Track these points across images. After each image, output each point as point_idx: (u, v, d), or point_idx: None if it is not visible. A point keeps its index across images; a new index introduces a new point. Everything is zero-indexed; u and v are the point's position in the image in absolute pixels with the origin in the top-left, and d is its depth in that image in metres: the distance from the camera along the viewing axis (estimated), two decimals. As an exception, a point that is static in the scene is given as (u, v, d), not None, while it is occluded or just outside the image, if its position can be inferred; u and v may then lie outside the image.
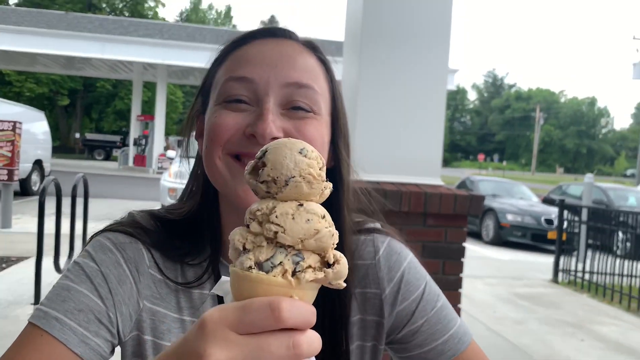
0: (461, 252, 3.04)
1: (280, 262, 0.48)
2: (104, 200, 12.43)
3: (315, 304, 0.85)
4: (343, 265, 0.50)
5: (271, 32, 0.85)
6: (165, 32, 21.21)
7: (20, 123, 8.52)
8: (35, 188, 12.97)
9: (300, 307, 0.46)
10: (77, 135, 40.08)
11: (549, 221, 11.61)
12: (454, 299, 3.03)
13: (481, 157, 70.30)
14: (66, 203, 5.38)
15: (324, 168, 0.52)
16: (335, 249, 0.86)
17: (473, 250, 10.36)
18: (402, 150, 3.16)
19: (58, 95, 38.24)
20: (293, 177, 0.49)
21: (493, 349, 4.70)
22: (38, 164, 13.15)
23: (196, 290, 0.85)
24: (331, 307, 0.85)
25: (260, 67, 0.79)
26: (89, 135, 38.08)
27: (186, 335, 0.48)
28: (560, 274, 7.93)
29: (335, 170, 0.86)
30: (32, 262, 5.58)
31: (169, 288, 0.84)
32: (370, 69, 3.13)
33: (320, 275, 0.49)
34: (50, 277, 4.95)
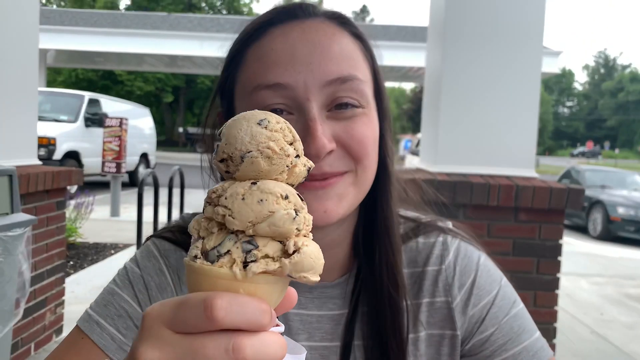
0: (557, 250, 2.78)
1: (228, 251, 0.40)
2: (202, 190, 13.12)
3: (366, 317, 0.79)
4: (305, 254, 0.41)
5: (291, 13, 0.74)
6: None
7: (126, 119, 9.20)
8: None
9: (243, 305, 0.38)
10: (180, 129, 42.78)
11: (669, 215, 10.43)
12: (550, 300, 2.79)
13: (590, 144, 65.07)
14: (165, 193, 5.72)
15: (298, 143, 0.44)
16: (383, 248, 0.79)
17: (578, 245, 9.59)
18: (491, 140, 2.95)
19: (163, 92, 40.99)
20: (249, 152, 0.41)
21: (598, 355, 4.29)
22: (144, 157, 14.19)
23: None
24: (381, 321, 0.77)
25: (292, 67, 0.68)
26: (191, 129, 40.49)
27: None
28: (681, 275, 7.09)
29: (379, 160, 0.76)
30: (135, 249, 6.00)
31: None
32: (455, 51, 2.93)
33: (274, 266, 0.40)
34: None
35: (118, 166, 8.82)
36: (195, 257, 0.41)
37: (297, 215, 0.41)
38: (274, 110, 0.69)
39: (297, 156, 0.44)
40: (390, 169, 0.78)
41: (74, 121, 11.16)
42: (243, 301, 0.39)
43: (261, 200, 0.41)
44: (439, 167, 2.96)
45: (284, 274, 0.41)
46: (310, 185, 0.69)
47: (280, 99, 0.69)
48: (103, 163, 8.91)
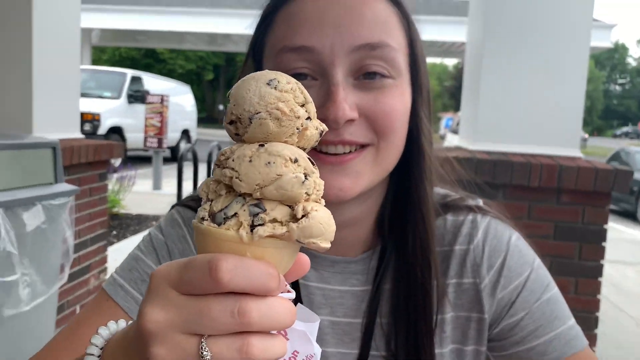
0: (602, 235, 2.66)
1: (235, 214, 0.40)
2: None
3: (390, 295, 0.76)
4: (315, 218, 0.39)
5: None
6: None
7: (167, 96, 9.38)
8: (183, 155, 14.37)
9: (249, 268, 0.38)
10: (221, 107, 43.35)
11: None
12: (593, 287, 2.68)
13: (642, 125, 61.95)
14: (204, 168, 5.82)
15: (310, 105, 0.42)
16: (416, 229, 0.76)
17: (625, 232, 9.23)
18: (533, 117, 2.83)
19: (204, 70, 41.49)
20: (258, 113, 0.40)
21: (642, 345, 4.14)
22: (185, 133, 14.48)
23: None
24: (408, 300, 0.74)
25: (320, 30, 0.65)
26: (231, 107, 41.01)
27: None
28: None
29: (413, 138, 0.73)
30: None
31: None
32: (497, 24, 2.81)
33: (281, 230, 0.39)
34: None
35: (159, 141, 9.03)
36: (203, 218, 0.41)
37: (306, 179, 0.40)
38: (298, 75, 0.66)
39: (309, 118, 0.42)
40: (425, 147, 0.74)
41: (118, 98, 11.46)
42: (249, 264, 0.38)
43: (269, 162, 0.39)
44: (478, 145, 2.88)
45: (292, 239, 0.40)
46: (326, 160, 0.66)
47: (304, 63, 0.66)
48: (145, 138, 9.14)
